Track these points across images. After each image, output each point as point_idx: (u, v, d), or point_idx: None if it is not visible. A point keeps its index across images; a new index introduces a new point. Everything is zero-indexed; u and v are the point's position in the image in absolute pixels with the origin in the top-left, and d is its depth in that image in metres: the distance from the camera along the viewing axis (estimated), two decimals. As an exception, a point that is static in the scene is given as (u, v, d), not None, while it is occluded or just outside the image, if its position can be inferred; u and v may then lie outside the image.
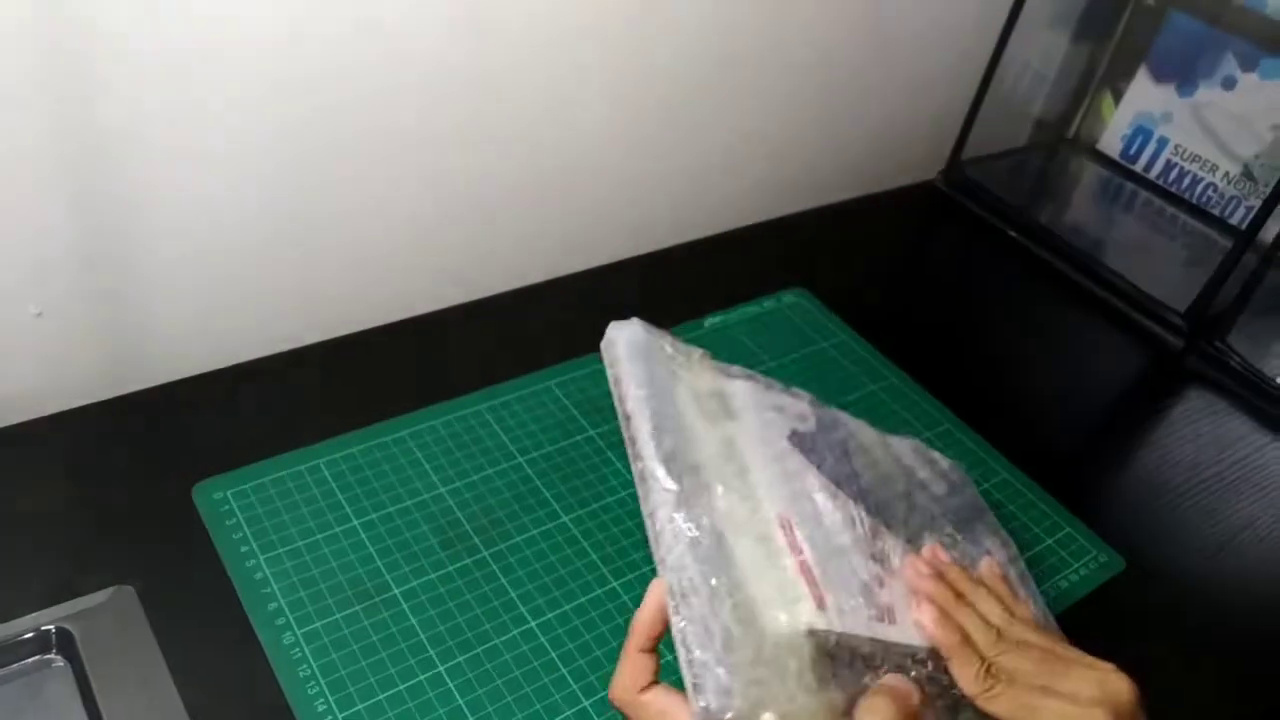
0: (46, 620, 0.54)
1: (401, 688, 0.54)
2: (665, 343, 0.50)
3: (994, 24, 0.99)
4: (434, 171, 0.76)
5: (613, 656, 0.58)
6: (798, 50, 0.90)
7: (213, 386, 0.70)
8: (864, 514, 0.48)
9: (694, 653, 0.38)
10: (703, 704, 0.37)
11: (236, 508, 0.62)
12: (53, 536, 0.59)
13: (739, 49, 0.86)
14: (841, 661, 0.41)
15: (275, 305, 0.74)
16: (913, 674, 0.43)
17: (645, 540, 0.63)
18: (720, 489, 0.44)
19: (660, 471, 0.43)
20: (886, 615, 0.44)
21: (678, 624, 0.39)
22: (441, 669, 0.56)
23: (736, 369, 0.54)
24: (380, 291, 0.78)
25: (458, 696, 0.55)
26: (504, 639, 0.58)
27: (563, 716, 0.55)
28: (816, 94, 0.95)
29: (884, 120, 1.03)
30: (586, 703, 0.55)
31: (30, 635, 0.54)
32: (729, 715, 0.37)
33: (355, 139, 0.70)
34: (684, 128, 0.88)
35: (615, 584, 0.61)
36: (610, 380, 0.48)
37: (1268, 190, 0.92)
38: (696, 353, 0.52)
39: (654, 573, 0.62)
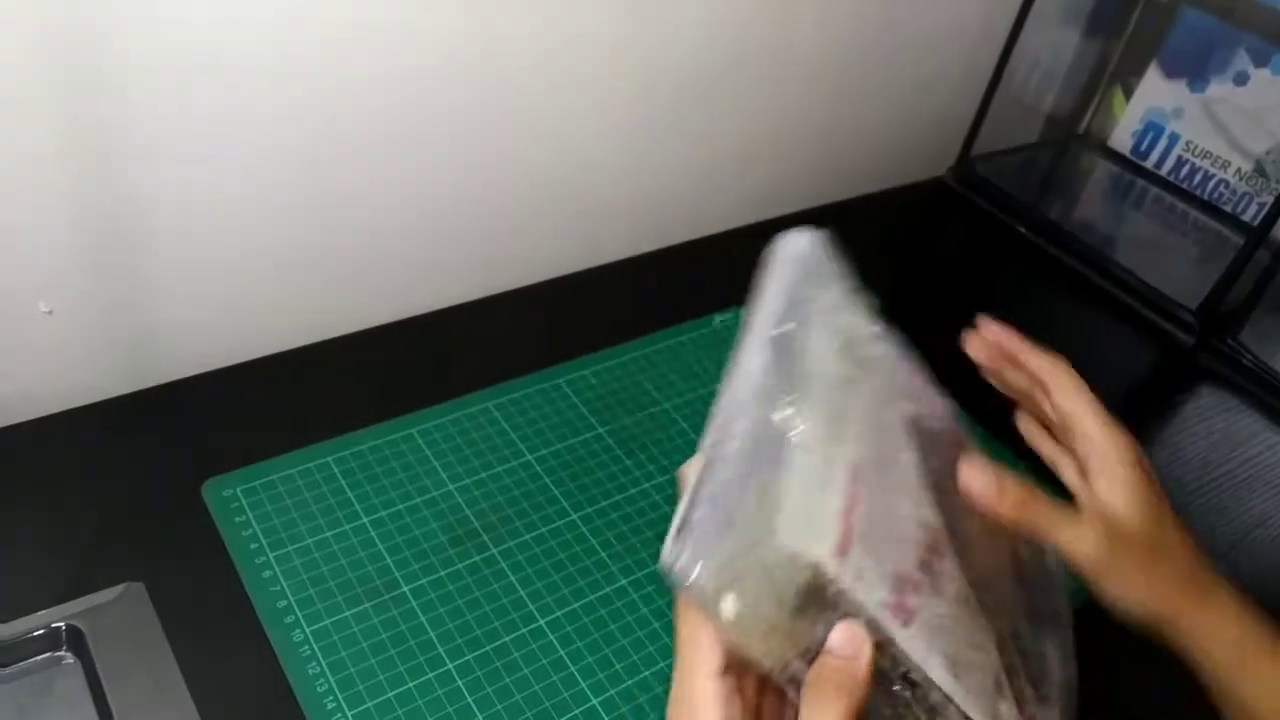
0: (57, 617, 0.54)
1: (410, 685, 0.54)
2: (835, 275, 0.50)
3: (1004, 20, 0.99)
4: (441, 172, 0.76)
5: (622, 654, 0.58)
6: (807, 47, 0.90)
7: (223, 383, 0.70)
8: (940, 528, 0.46)
9: (695, 511, 0.37)
10: (673, 557, 0.36)
11: (246, 505, 0.62)
12: (63, 534, 0.59)
13: (748, 47, 0.86)
14: (830, 611, 0.40)
15: (284, 303, 0.74)
16: (895, 688, 0.42)
17: (652, 539, 0.64)
18: (811, 406, 0.42)
19: (757, 363, 0.42)
20: (902, 615, 0.42)
21: (693, 481, 0.38)
22: (450, 666, 0.56)
23: (892, 338, 0.51)
24: (389, 290, 0.78)
25: (466, 694, 0.55)
26: (512, 637, 0.58)
27: (570, 715, 0.55)
28: (826, 91, 0.95)
29: (893, 117, 1.03)
30: (595, 701, 0.55)
31: (40, 632, 0.54)
32: (690, 580, 0.36)
33: (363, 142, 0.70)
34: (694, 125, 0.88)
35: (624, 582, 0.61)
36: (758, 289, 0.47)
37: (1279, 187, 0.91)
38: (864, 300, 0.50)
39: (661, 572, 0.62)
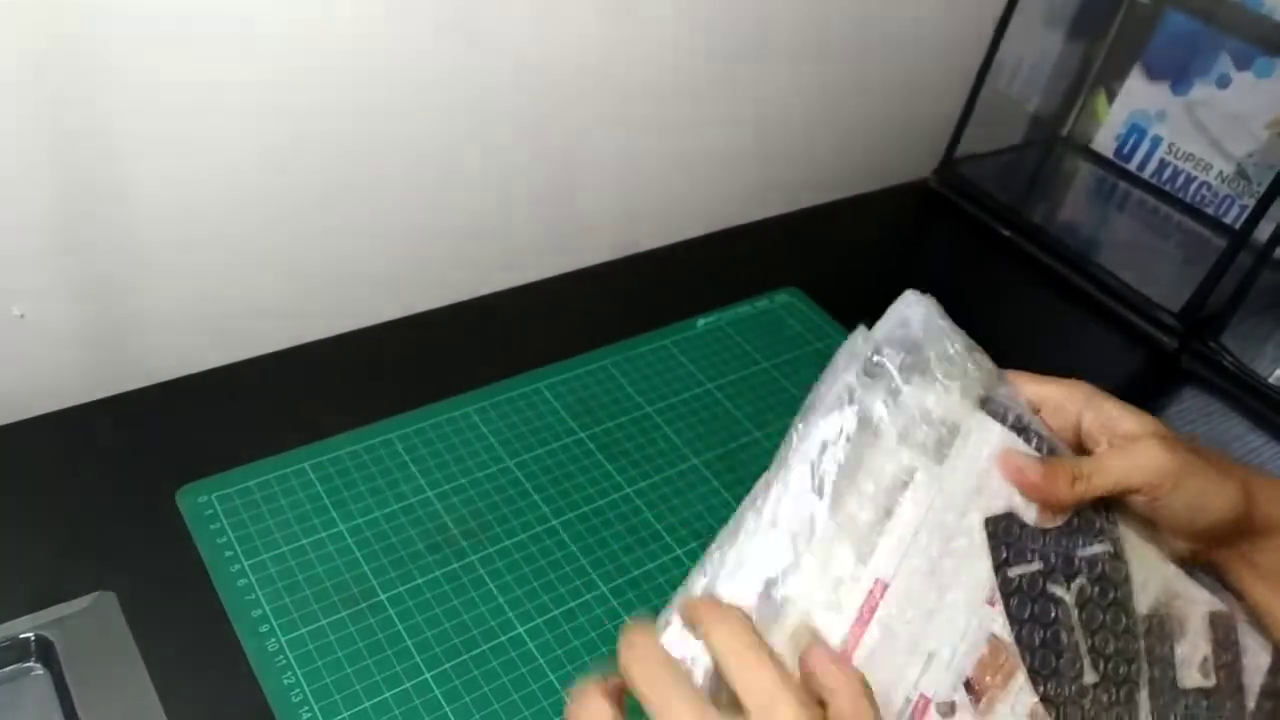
0: (25, 628, 0.53)
1: (387, 695, 0.54)
2: (946, 341, 0.45)
3: (988, 21, 0.99)
4: (424, 173, 0.75)
5: (602, 663, 0.57)
6: (789, 49, 0.90)
7: (196, 389, 0.69)
8: (1012, 644, 0.40)
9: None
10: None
11: (221, 512, 0.61)
12: (33, 541, 0.58)
13: (730, 48, 0.85)
14: None
15: (259, 307, 0.73)
16: None
17: (634, 545, 0.63)
18: (845, 511, 0.39)
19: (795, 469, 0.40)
20: None
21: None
22: (428, 676, 0.55)
23: (1023, 413, 0.44)
24: (365, 294, 0.77)
25: (443, 704, 0.54)
26: (491, 645, 0.57)
27: (551, 724, 0.54)
28: (808, 93, 0.95)
29: (876, 119, 1.03)
30: (575, 710, 0.54)
31: (8, 643, 0.53)
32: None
33: (345, 139, 0.69)
34: (675, 127, 0.87)
35: (604, 589, 0.61)
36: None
37: (1261, 189, 0.91)
38: (983, 370, 0.45)
39: (643, 578, 0.61)
